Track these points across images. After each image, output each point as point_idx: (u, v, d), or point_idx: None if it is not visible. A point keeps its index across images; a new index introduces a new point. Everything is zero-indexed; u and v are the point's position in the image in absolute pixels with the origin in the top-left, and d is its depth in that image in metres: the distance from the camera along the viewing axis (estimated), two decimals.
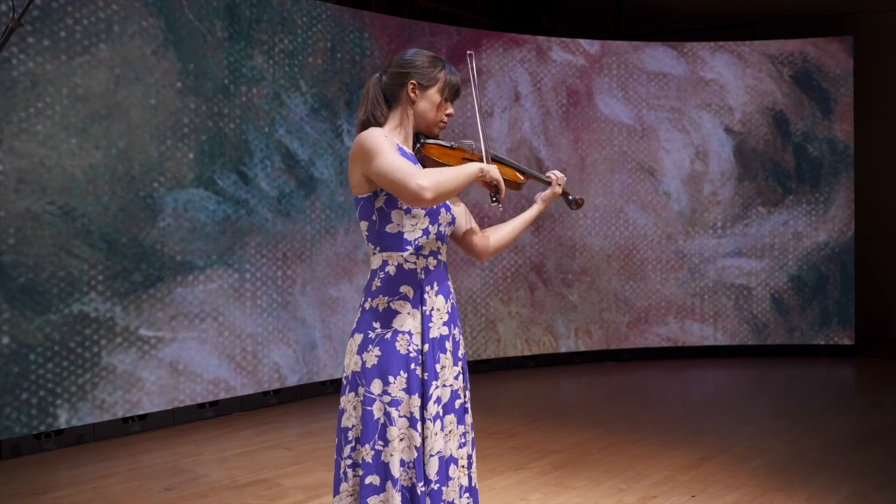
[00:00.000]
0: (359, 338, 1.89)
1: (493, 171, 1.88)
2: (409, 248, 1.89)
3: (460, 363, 1.97)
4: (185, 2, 4.49)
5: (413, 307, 1.89)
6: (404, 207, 1.87)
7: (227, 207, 4.71)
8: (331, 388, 5.32)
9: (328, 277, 5.26)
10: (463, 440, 1.95)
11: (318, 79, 5.17)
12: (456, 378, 1.94)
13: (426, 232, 1.89)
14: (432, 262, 1.91)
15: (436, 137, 1.99)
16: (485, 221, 5.60)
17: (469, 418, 1.99)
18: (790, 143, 6.60)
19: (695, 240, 6.57)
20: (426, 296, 1.90)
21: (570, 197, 2.19)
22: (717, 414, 4.99)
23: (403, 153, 1.90)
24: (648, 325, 6.52)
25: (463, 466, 1.93)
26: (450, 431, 1.89)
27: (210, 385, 4.66)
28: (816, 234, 6.59)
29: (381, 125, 1.93)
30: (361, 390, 1.86)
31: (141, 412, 4.35)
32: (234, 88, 4.75)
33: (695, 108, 6.54)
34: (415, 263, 1.89)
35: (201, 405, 4.68)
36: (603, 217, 6.45)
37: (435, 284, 1.92)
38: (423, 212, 1.88)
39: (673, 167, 6.54)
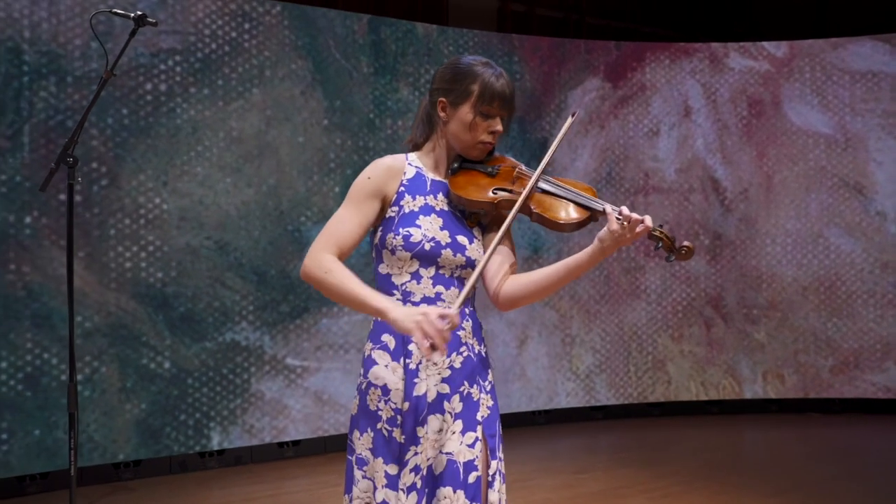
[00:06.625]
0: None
1: (404, 320, 1.48)
2: (395, 292, 1.67)
3: (479, 428, 1.65)
4: (333, 42, 4.66)
5: (393, 359, 1.66)
6: (390, 247, 1.66)
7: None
8: None
9: None
10: None
11: None
12: (471, 446, 1.62)
13: (416, 276, 1.66)
14: None
15: (476, 161, 1.74)
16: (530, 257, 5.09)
17: (494, 496, 1.65)
18: None
19: None
20: (412, 347, 1.65)
21: (660, 245, 1.57)
22: None
23: (421, 182, 1.69)
24: (860, 372, 5.49)
25: None
26: None
27: None
28: None
29: (419, 148, 1.78)
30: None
31: (286, 439, 4.50)
32: (380, 122, 4.82)
33: None
34: None
35: None
36: (796, 243, 5.57)
37: None
38: (408, 254, 1.64)
39: (888, 182, 5.49)
